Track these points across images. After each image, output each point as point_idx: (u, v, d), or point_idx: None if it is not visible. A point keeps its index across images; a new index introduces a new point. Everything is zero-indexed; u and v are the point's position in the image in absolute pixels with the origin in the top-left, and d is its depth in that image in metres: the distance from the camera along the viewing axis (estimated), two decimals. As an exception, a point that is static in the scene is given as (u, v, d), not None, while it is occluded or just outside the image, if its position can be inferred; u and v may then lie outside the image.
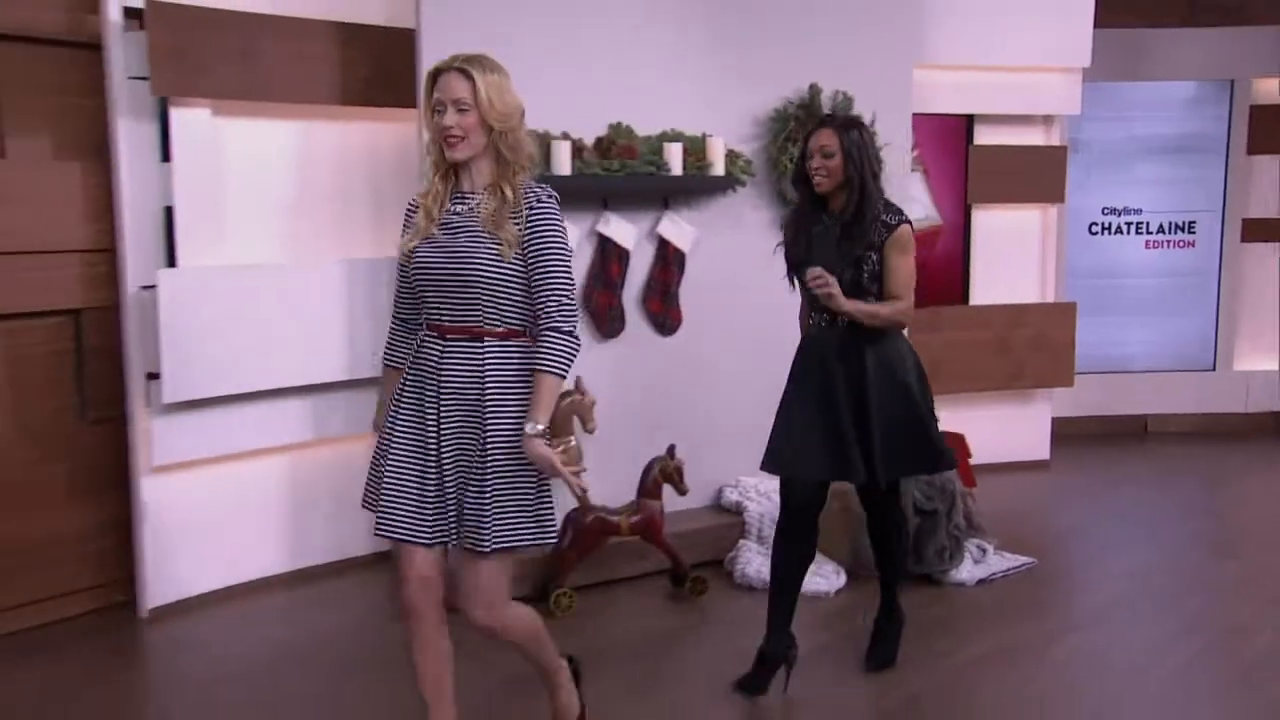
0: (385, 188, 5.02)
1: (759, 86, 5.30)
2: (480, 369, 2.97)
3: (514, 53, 4.30)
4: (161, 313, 4.34)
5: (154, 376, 4.46)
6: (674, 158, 4.88)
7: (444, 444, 3.02)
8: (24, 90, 4.29)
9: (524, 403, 2.95)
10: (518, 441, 2.93)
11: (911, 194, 6.10)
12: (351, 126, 4.96)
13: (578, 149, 4.73)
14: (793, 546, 3.95)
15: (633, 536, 4.73)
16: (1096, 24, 6.56)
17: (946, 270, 6.81)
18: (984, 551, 5.19)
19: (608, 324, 5.00)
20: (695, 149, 4.98)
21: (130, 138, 4.42)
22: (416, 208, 3.07)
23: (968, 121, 6.74)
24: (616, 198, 4.96)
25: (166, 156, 4.52)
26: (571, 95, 4.75)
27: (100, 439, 4.58)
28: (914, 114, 5.84)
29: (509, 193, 2.93)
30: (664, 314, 5.14)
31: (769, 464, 3.95)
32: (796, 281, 3.95)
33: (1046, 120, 6.92)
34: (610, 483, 4.69)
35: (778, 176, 5.27)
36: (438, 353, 3.00)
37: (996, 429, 6.70)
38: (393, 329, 3.22)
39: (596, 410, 4.71)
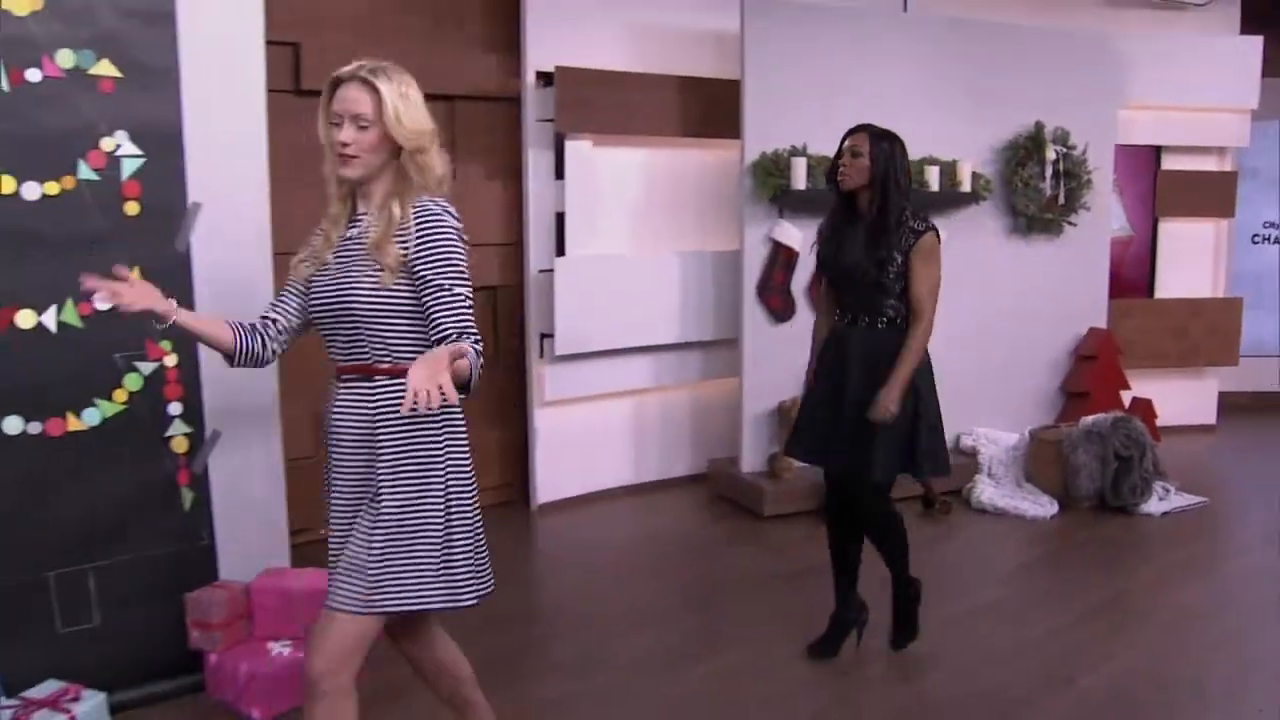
0: (709, 198, 6.24)
1: (996, 121, 6.37)
2: (371, 411, 2.53)
3: (820, 98, 5.51)
4: (556, 289, 5.69)
5: (547, 336, 5.80)
6: (933, 177, 6.02)
7: (335, 497, 2.62)
8: (470, 132, 5.67)
9: (421, 446, 2.52)
10: (417, 492, 2.52)
11: (1113, 210, 7.06)
12: (687, 153, 6.19)
13: (859, 171, 5.92)
14: (834, 528, 4.03)
15: None
16: (1264, 73, 7.35)
17: (1137, 270, 7.68)
18: (1167, 491, 6.03)
19: (877, 305, 6.15)
20: (948, 170, 6.09)
21: (535, 163, 5.74)
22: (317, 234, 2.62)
23: (1156, 151, 7.55)
24: (884, 208, 6.13)
25: (559, 175, 5.80)
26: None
27: (507, 380, 5.95)
28: (1115, 144, 6.84)
29: (397, 211, 2.49)
30: (918, 299, 6.28)
31: (786, 448, 4.07)
32: (823, 279, 4.01)
33: (1220, 150, 7.73)
34: None
35: (1010, 193, 6.39)
36: (333, 394, 2.60)
37: (1175, 398, 7.52)
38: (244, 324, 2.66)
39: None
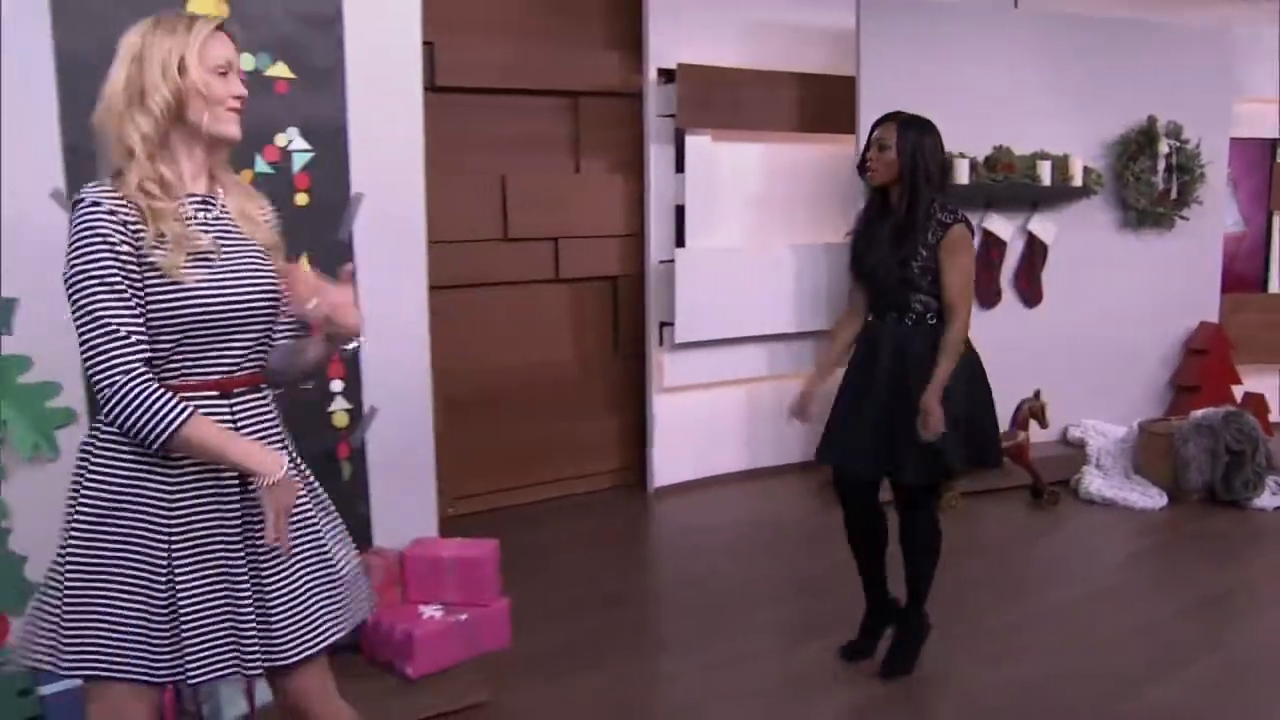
0: (822, 192, 6.34)
1: (1108, 116, 6.39)
2: (279, 428, 2.25)
3: (934, 94, 5.60)
4: (677, 280, 5.85)
5: (666, 324, 5.97)
6: (1045, 172, 6.06)
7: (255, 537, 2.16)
8: (593, 127, 5.88)
9: None
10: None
11: (1227, 205, 7.02)
12: (801, 147, 6.31)
13: (973, 165, 5.97)
14: (855, 535, 3.84)
15: (1005, 457, 5.77)
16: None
17: (1250, 264, 7.56)
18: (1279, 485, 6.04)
19: (989, 297, 6.23)
20: (1060, 165, 6.12)
21: (656, 157, 5.93)
22: (131, 213, 2.02)
23: (1273, 144, 7.43)
24: (998, 201, 6.17)
25: (679, 169, 5.97)
26: (970, 124, 5.89)
27: (626, 367, 6.15)
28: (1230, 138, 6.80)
29: (229, 177, 2.25)
30: (1030, 290, 6.32)
31: (817, 452, 3.82)
32: (856, 275, 3.82)
33: (1337, 144, 7.59)
34: None
35: (1121, 187, 6.40)
36: (228, 418, 2.12)
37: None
38: (154, 390, 2.00)
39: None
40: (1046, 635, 4.24)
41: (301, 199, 3.48)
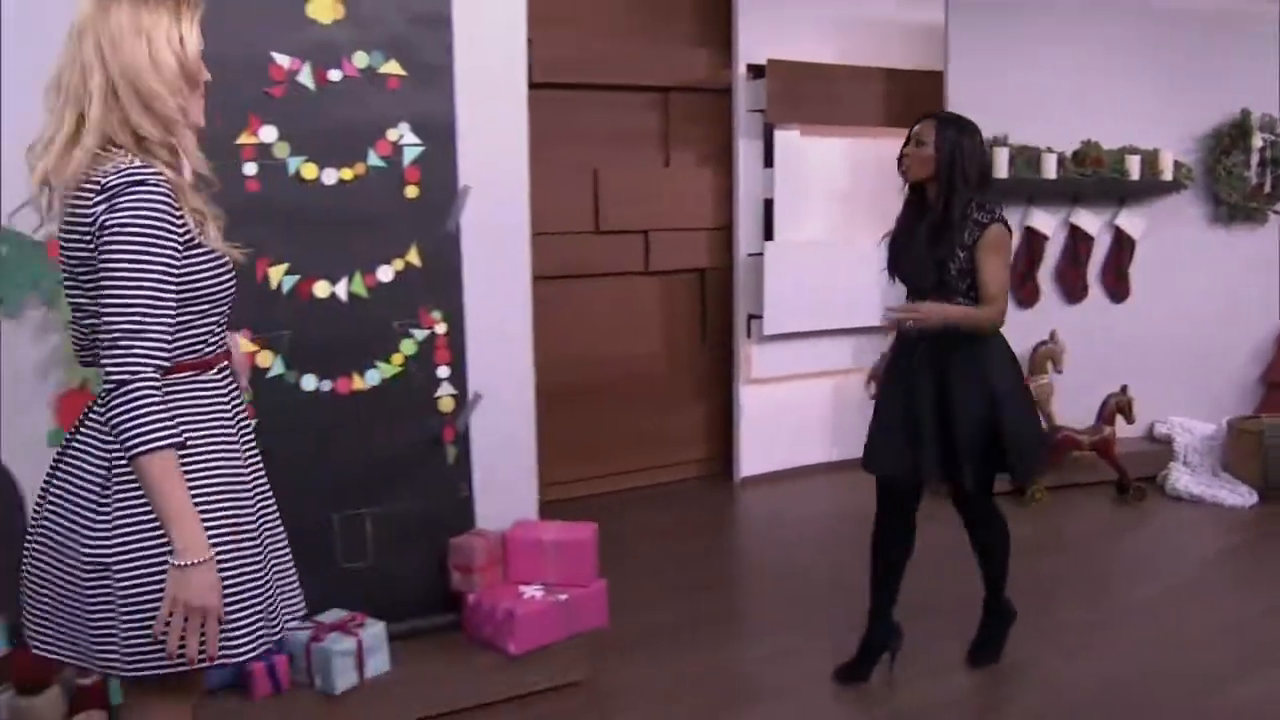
0: None
1: (1199, 110, 6.30)
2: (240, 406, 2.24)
3: (1021, 88, 5.60)
4: (765, 273, 5.92)
5: (754, 316, 6.04)
6: (1133, 167, 6.02)
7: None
8: (683, 122, 5.98)
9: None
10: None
11: None
12: (888, 142, 6.18)
13: (1060, 160, 5.95)
14: (886, 544, 3.74)
15: (1090, 452, 5.84)
16: None
17: None
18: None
19: (1077, 292, 6.21)
20: (1149, 160, 6.07)
21: (745, 152, 6.01)
22: (171, 190, 1.99)
23: None
24: (1085, 196, 6.14)
25: (768, 164, 6.04)
26: (1058, 118, 5.94)
27: (714, 358, 6.23)
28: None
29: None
30: (1117, 286, 6.28)
31: (863, 461, 3.71)
32: (896, 277, 3.76)
33: None
34: (1077, 409, 5.92)
35: (1212, 182, 6.33)
36: (234, 392, 2.20)
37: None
38: (155, 401, 1.93)
39: (1066, 356, 5.94)
40: (1131, 631, 4.24)
41: (411, 191, 3.60)
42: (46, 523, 2.09)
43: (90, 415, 2.10)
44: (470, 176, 3.69)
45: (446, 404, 3.75)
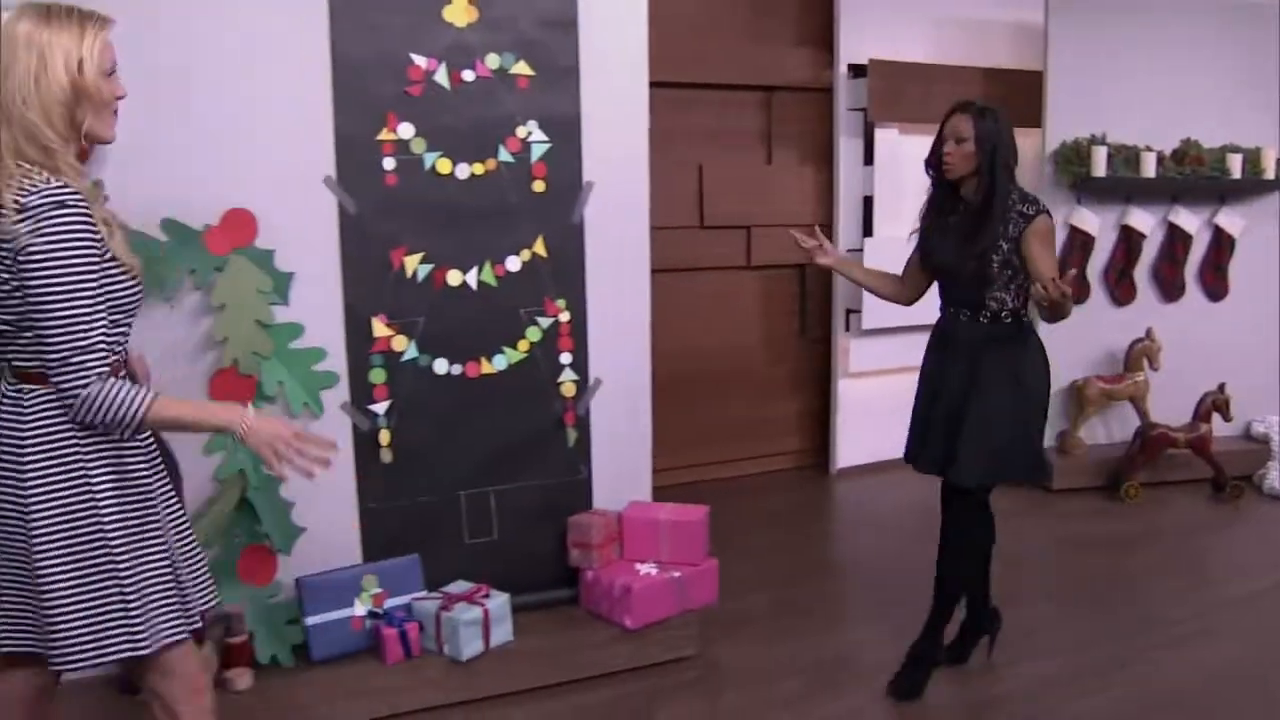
0: None
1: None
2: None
3: (1120, 87, 5.60)
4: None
5: (852, 311, 6.15)
6: (1234, 165, 6.00)
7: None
8: (785, 121, 6.09)
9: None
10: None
11: None
12: None
13: (1160, 158, 5.95)
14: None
15: (1186, 449, 5.84)
16: None
17: None
18: None
19: (1173, 291, 6.22)
20: (1251, 158, 6.05)
21: (845, 149, 6.10)
22: (89, 206, 2.10)
23: None
24: (1184, 195, 6.12)
25: (868, 161, 6.13)
26: (1157, 117, 5.96)
27: (812, 352, 6.34)
28: None
29: None
30: (1215, 284, 6.27)
31: (904, 457, 3.76)
32: (926, 268, 3.72)
33: None
34: (1173, 407, 5.93)
35: (1316, 180, 6.30)
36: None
37: None
38: (115, 386, 2.13)
39: (1162, 354, 5.95)
40: (1229, 624, 4.28)
41: (539, 186, 3.78)
42: None
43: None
44: (594, 171, 3.86)
45: (568, 389, 3.92)
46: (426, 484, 3.77)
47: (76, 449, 2.15)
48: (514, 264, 3.78)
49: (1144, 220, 6.13)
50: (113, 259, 2.15)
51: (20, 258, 2.04)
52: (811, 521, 5.70)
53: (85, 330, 2.08)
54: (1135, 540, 5.24)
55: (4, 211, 2.05)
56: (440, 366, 3.73)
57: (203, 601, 2.38)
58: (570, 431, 3.94)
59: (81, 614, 2.16)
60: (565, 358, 3.89)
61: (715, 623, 4.05)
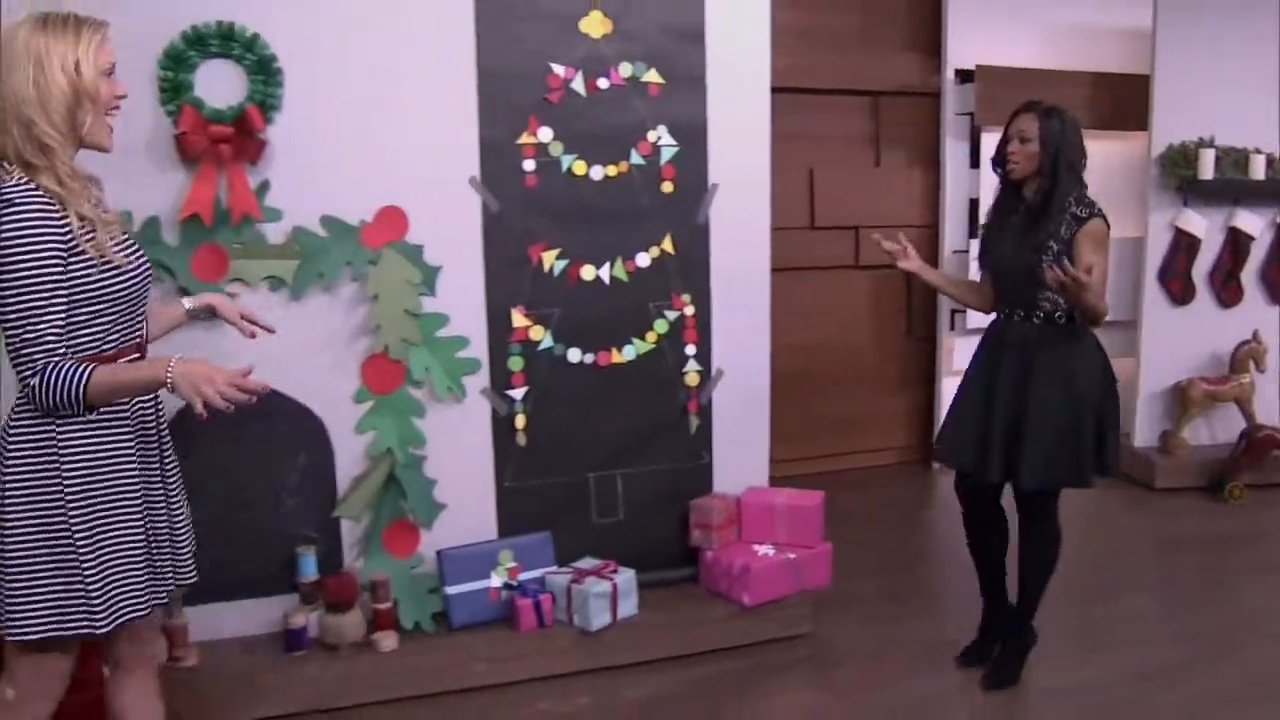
0: (1114, 188, 6.11)
1: None
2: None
3: (1228, 91, 5.61)
4: (973, 270, 6.12)
5: (957, 311, 6.25)
6: (1345, 169, 6.02)
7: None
8: (892, 125, 6.23)
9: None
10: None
11: None
12: (1093, 144, 6.21)
13: (1269, 160, 5.98)
14: (973, 539, 3.79)
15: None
16: None
17: None
18: None
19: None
20: (1360, 162, 6.06)
21: (952, 153, 6.22)
22: (52, 204, 2.16)
23: None
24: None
25: (974, 165, 6.22)
26: (1266, 119, 5.99)
27: (917, 350, 6.47)
28: None
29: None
30: (1286, 284, 6.27)
31: (934, 452, 3.85)
32: (984, 267, 3.69)
33: None
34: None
35: None
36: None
37: None
38: (57, 367, 2.17)
39: (1269, 356, 5.98)
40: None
41: (667, 187, 4.00)
42: None
43: None
44: (719, 174, 4.06)
45: (692, 379, 4.13)
46: (558, 466, 4.01)
47: (51, 432, 2.22)
48: (644, 260, 4.00)
49: (1252, 222, 6.16)
50: (82, 253, 2.18)
51: None
52: (916, 513, 5.84)
53: (34, 323, 2.13)
54: (1238, 540, 5.27)
55: None
56: (574, 355, 3.96)
57: (181, 577, 2.49)
58: (693, 419, 4.15)
59: (34, 587, 2.22)
60: (690, 349, 4.11)
61: (827, 604, 4.22)
